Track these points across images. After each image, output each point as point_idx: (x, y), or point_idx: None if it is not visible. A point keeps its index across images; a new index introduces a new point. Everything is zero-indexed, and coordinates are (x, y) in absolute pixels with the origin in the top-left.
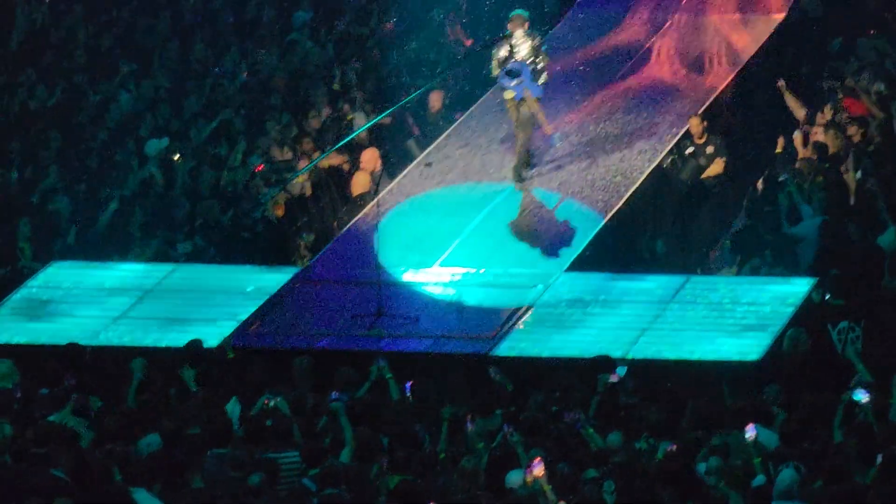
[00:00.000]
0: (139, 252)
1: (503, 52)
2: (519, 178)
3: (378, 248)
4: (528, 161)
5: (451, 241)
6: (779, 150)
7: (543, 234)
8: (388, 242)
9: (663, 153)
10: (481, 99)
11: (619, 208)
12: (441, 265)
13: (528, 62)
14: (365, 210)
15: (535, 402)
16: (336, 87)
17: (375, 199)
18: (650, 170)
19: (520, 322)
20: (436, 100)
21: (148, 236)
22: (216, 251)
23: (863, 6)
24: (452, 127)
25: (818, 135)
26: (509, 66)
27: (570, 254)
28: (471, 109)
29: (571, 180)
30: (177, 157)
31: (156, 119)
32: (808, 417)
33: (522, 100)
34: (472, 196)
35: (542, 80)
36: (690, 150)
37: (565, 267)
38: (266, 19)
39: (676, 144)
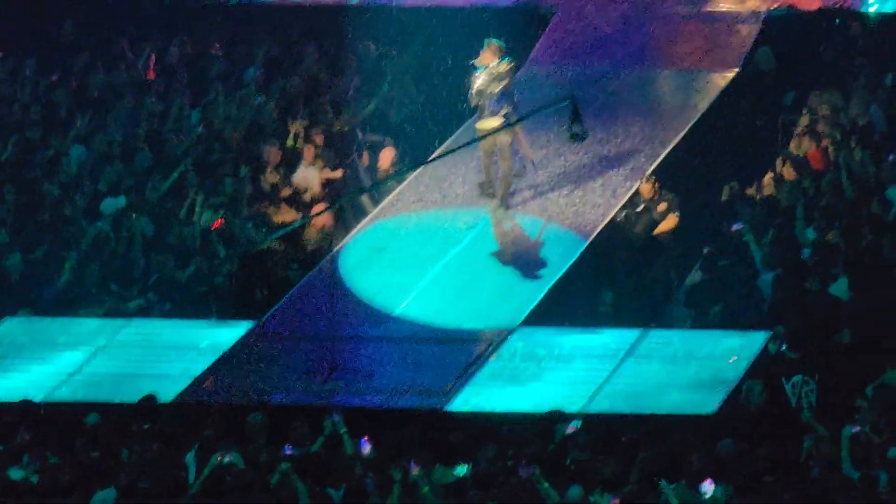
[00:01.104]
0: (93, 307)
1: (480, 81)
2: (505, 206)
3: (332, 302)
4: (509, 186)
5: (407, 294)
6: (726, 197)
7: (498, 288)
8: (343, 296)
9: (617, 207)
10: (435, 152)
11: (574, 262)
12: (396, 319)
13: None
14: (319, 264)
15: (488, 456)
16: (289, 142)
17: (330, 254)
18: (604, 223)
19: (474, 376)
20: (387, 155)
21: (102, 291)
22: (171, 306)
23: (816, 60)
24: (405, 183)
25: (769, 188)
26: (574, 129)
27: (525, 307)
28: (427, 162)
29: (523, 236)
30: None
31: (109, 174)
32: (762, 471)
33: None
34: (426, 250)
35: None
36: (642, 206)
37: (520, 321)
38: (218, 74)
39: (631, 198)
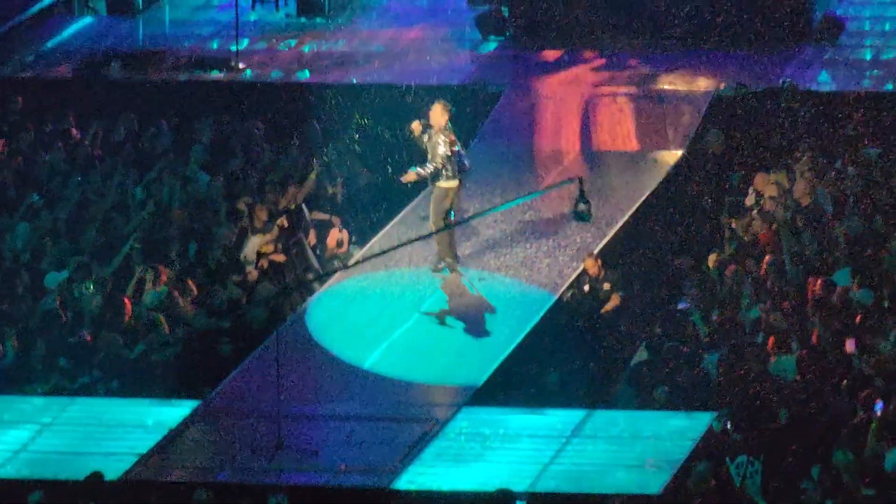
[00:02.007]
0: (39, 384)
1: (442, 148)
2: (455, 263)
3: (278, 380)
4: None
5: (352, 374)
6: (673, 276)
7: (444, 367)
8: (289, 375)
9: (563, 287)
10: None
11: (520, 342)
12: (341, 398)
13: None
14: (265, 343)
15: None
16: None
17: (275, 333)
18: (551, 304)
19: (420, 455)
20: (335, 236)
21: (48, 369)
22: (118, 384)
23: (764, 141)
24: (352, 262)
25: (715, 268)
26: (580, 208)
27: (471, 387)
28: (371, 242)
29: (469, 314)
30: (89, 288)
31: (54, 251)
32: None
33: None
34: (371, 331)
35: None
36: (588, 285)
37: (465, 400)
38: (163, 151)
39: (577, 278)
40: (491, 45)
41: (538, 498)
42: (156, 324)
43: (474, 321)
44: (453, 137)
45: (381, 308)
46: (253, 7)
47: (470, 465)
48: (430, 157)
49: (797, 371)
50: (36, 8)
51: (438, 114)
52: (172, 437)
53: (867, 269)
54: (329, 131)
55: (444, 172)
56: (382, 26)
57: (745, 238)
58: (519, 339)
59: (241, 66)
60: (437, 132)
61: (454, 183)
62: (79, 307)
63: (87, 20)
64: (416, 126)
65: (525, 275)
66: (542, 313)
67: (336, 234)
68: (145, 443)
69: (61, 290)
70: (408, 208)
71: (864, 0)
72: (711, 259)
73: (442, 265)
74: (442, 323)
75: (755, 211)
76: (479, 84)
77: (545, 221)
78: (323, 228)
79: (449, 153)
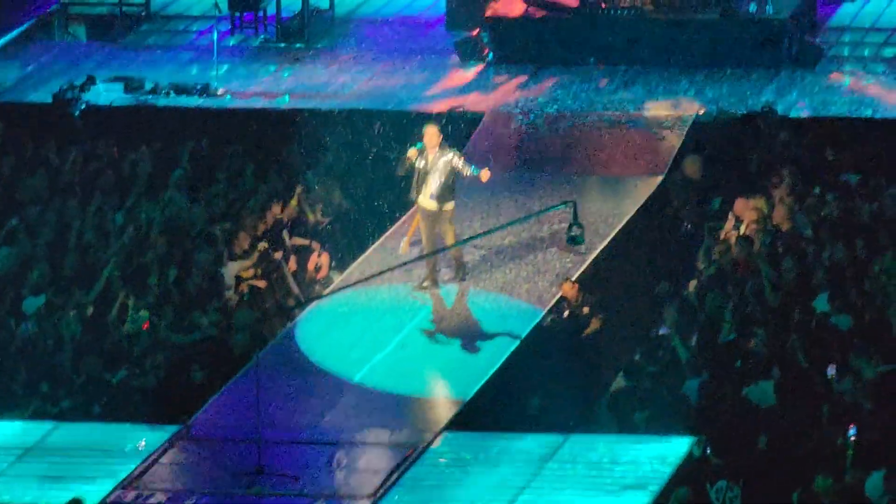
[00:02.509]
0: (20, 409)
1: (420, 164)
2: (433, 285)
3: (258, 404)
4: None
5: (334, 397)
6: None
7: (425, 391)
8: (270, 399)
9: (543, 312)
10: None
11: (500, 367)
12: (323, 421)
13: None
14: (245, 367)
15: None
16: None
17: (255, 358)
18: (530, 328)
19: (400, 481)
20: (314, 260)
21: (29, 393)
22: (99, 409)
23: (741, 165)
24: (329, 290)
25: (695, 293)
26: (573, 232)
27: (450, 412)
28: (349, 269)
29: (451, 336)
30: (70, 312)
31: (34, 276)
32: None
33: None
34: (353, 353)
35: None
36: (568, 311)
37: (443, 425)
38: (143, 177)
39: (556, 303)
40: (470, 70)
41: None
42: (135, 349)
43: (455, 343)
44: (450, 156)
45: (363, 330)
46: (232, 33)
47: (449, 491)
48: (429, 179)
49: (776, 396)
50: (14, 33)
51: (433, 135)
52: (152, 462)
53: (846, 294)
54: (309, 157)
55: (442, 194)
56: (362, 52)
57: (725, 263)
58: (499, 364)
59: (220, 91)
60: (433, 154)
61: (450, 205)
62: (59, 333)
63: (67, 45)
64: (412, 153)
65: (504, 300)
66: (522, 338)
67: (315, 259)
68: (125, 467)
69: (39, 313)
70: (387, 233)
71: (842, 26)
72: (691, 284)
73: (426, 284)
74: (425, 343)
75: (735, 236)
76: (459, 109)
77: (525, 246)
78: (303, 254)
79: (444, 176)
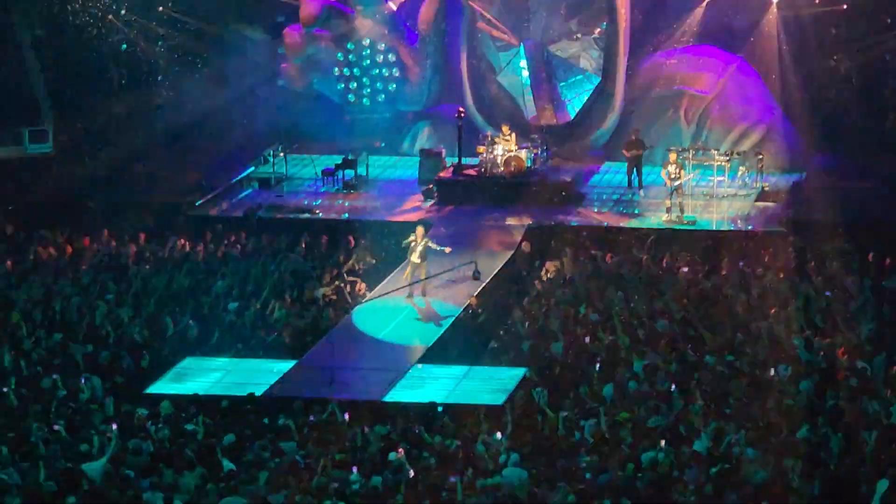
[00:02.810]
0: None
1: (412, 243)
2: (410, 297)
3: (333, 351)
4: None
5: (367, 347)
6: None
7: (410, 343)
8: (337, 349)
9: (462, 309)
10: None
11: (442, 332)
12: (361, 359)
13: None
14: (327, 334)
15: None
16: None
17: (330, 331)
18: (455, 315)
19: (396, 385)
20: (359, 285)
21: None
22: (262, 352)
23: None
24: (365, 300)
25: None
26: (475, 274)
27: (419, 352)
28: (376, 288)
29: (418, 320)
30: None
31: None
32: None
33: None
34: (376, 326)
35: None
36: (472, 310)
37: (417, 358)
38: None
39: (467, 305)
40: (428, 203)
41: (450, 406)
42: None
43: (423, 321)
44: (426, 240)
45: (382, 315)
46: (324, 183)
47: (419, 390)
48: (417, 249)
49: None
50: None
51: (420, 230)
52: (286, 375)
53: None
54: (354, 239)
55: (420, 257)
56: (378, 194)
57: (546, 284)
58: (442, 331)
59: (317, 211)
60: (419, 238)
61: (425, 263)
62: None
63: (248, 191)
64: (410, 238)
65: (445, 304)
66: (453, 318)
67: (359, 286)
68: (273, 379)
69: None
70: (393, 273)
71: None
72: (525, 301)
73: (410, 296)
74: (411, 321)
75: (547, 276)
76: (426, 219)
77: (455, 280)
78: (353, 284)
79: (423, 249)
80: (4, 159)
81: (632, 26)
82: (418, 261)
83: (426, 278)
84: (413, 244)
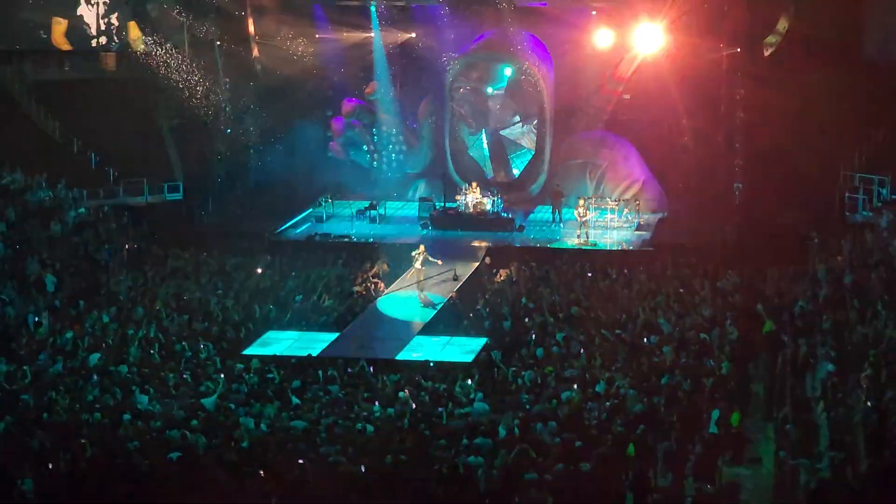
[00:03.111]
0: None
1: (416, 255)
2: (422, 289)
3: (363, 326)
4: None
5: (388, 322)
6: None
7: (414, 319)
8: (367, 325)
9: (447, 299)
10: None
11: (435, 313)
12: (381, 333)
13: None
14: (362, 313)
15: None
16: None
17: (363, 312)
18: (444, 302)
19: (404, 348)
20: (381, 283)
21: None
22: (317, 326)
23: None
24: (385, 292)
25: None
26: (456, 276)
27: (420, 325)
28: (392, 284)
29: (420, 304)
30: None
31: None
32: None
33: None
34: (394, 308)
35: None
36: (452, 301)
37: (419, 330)
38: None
39: (450, 298)
40: (424, 231)
41: (438, 363)
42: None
43: (424, 308)
44: (426, 253)
45: (397, 301)
46: (357, 219)
47: (417, 352)
48: (419, 257)
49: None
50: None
51: (422, 247)
52: (331, 343)
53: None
54: (372, 256)
55: (420, 265)
56: (395, 225)
57: (498, 288)
58: (434, 312)
59: (352, 237)
60: (421, 251)
61: (424, 268)
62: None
63: (308, 224)
64: (414, 253)
65: (438, 295)
66: (440, 306)
67: (381, 283)
68: (323, 346)
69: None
70: (404, 275)
71: None
72: (485, 292)
73: (417, 289)
74: (416, 305)
75: (499, 279)
76: (415, 243)
77: (443, 280)
78: (377, 282)
79: (423, 258)
80: (152, 203)
81: (555, 120)
82: (420, 267)
83: (425, 279)
84: (417, 256)
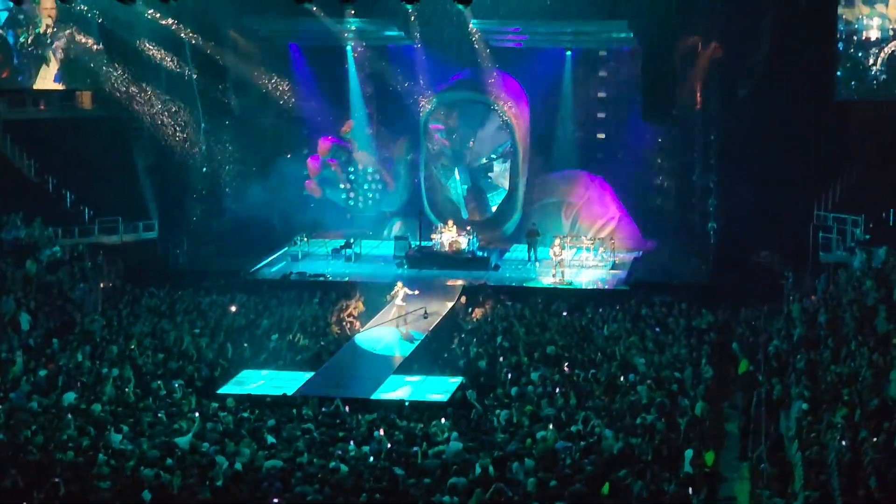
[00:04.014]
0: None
1: (397, 291)
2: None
3: (339, 360)
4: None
5: (364, 358)
6: None
7: (395, 355)
8: (344, 357)
9: (425, 335)
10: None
11: (413, 349)
12: (360, 363)
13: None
14: (340, 349)
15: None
16: None
17: (343, 345)
18: (423, 339)
19: (380, 388)
20: (356, 322)
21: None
22: (285, 366)
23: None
24: (363, 329)
25: None
26: (426, 315)
27: (399, 360)
28: (371, 320)
29: (401, 338)
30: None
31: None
32: None
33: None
34: (373, 344)
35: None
36: (428, 337)
37: (397, 366)
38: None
39: (427, 334)
40: (402, 269)
41: (413, 402)
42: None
43: (405, 342)
44: (405, 288)
45: (376, 338)
46: (332, 257)
47: (392, 392)
48: (399, 292)
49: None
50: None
51: (399, 284)
52: (307, 382)
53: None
54: (349, 295)
55: (401, 300)
56: (370, 264)
57: (480, 321)
58: (414, 347)
59: (328, 276)
60: (400, 287)
61: (405, 303)
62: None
63: (283, 263)
64: (399, 284)
65: (417, 331)
66: (420, 340)
67: (357, 322)
68: (298, 384)
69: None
70: (383, 310)
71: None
72: (464, 328)
73: (397, 325)
74: (398, 340)
75: (480, 314)
76: (390, 283)
77: (419, 318)
78: (354, 319)
79: (402, 292)
80: (127, 242)
81: (529, 158)
82: (401, 303)
83: (406, 314)
84: (397, 292)
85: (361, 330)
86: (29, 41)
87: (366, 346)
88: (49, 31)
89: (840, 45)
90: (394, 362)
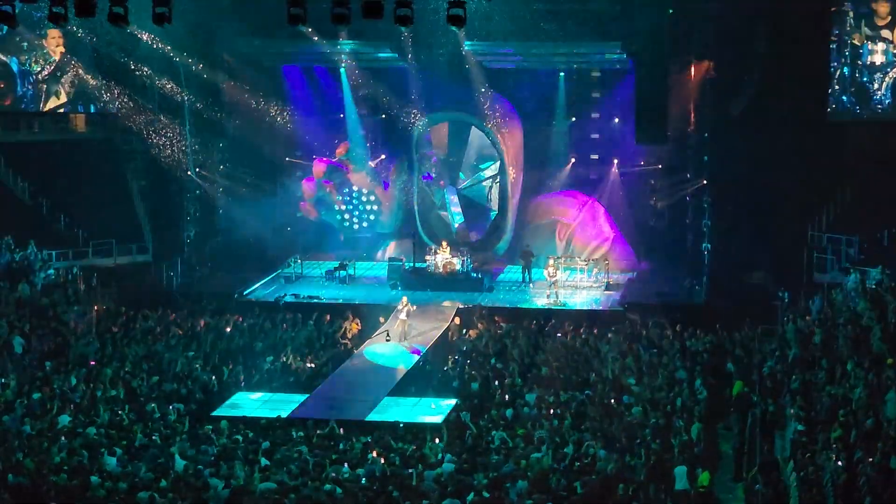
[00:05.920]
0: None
1: (402, 307)
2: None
3: (342, 372)
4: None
5: (368, 370)
6: None
7: (395, 367)
8: (349, 370)
9: (424, 350)
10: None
11: (410, 367)
12: (361, 375)
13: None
14: (340, 366)
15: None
16: None
17: (345, 361)
18: (419, 356)
19: (375, 409)
20: (355, 339)
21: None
22: (284, 387)
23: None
24: (363, 345)
25: None
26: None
27: (399, 375)
28: (370, 337)
29: (397, 355)
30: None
31: None
32: None
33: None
34: (374, 357)
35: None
36: (425, 359)
37: (390, 389)
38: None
39: (424, 352)
40: (394, 291)
41: (407, 424)
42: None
43: (400, 357)
44: (407, 304)
45: (375, 352)
46: (327, 279)
47: (387, 413)
48: (402, 308)
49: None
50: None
51: (405, 300)
52: (303, 403)
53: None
54: (344, 314)
55: (405, 316)
56: (364, 286)
57: (474, 342)
58: (412, 364)
59: (322, 297)
60: (403, 304)
61: (406, 321)
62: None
63: (277, 285)
64: (404, 300)
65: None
66: (415, 360)
67: (355, 339)
68: (292, 406)
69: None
70: (381, 327)
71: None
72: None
73: (388, 339)
74: (394, 355)
75: (475, 334)
76: (383, 304)
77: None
78: (353, 338)
79: (406, 308)
80: (121, 264)
81: (521, 179)
82: (405, 318)
83: (408, 328)
84: (402, 308)
85: (366, 344)
86: (43, 74)
87: (363, 364)
88: (60, 62)
89: (846, 70)
90: (391, 381)
